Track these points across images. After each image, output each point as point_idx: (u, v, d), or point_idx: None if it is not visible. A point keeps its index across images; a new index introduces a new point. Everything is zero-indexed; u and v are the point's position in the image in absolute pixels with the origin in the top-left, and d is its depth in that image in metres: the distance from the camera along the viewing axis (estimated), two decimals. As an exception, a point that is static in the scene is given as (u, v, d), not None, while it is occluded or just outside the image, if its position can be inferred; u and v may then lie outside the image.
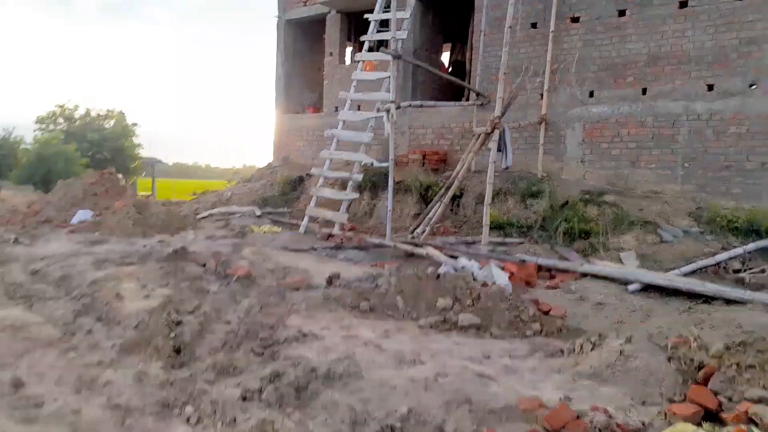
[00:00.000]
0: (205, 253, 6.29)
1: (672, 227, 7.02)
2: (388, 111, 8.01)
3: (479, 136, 7.82)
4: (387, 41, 10.12)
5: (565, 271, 6.26)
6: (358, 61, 10.50)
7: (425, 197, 9.52)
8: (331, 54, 12.74)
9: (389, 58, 9.81)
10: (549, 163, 9.35)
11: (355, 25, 13.09)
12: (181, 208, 11.93)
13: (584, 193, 8.29)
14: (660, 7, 8.39)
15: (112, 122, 31.62)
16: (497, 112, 7.52)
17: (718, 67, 7.94)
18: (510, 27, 8.33)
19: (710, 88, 8.01)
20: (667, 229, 6.96)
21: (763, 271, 5.62)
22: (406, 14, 10.41)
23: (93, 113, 31.31)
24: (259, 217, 10.33)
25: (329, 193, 9.42)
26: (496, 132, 7.44)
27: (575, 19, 9.22)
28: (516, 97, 8.13)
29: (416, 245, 7.18)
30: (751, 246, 6.17)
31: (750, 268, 5.82)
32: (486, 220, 7.14)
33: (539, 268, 6.39)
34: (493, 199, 8.87)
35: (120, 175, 18.47)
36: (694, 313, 4.46)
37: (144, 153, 32.64)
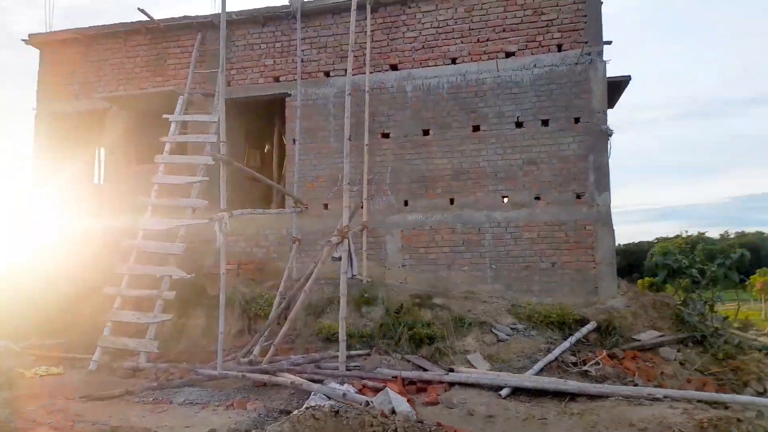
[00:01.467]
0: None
1: (503, 326, 7.56)
2: (220, 220, 7.13)
3: (332, 246, 7.43)
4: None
5: (429, 381, 6.08)
6: (160, 164, 9.37)
7: (248, 312, 8.57)
8: (113, 152, 11.17)
9: (204, 161, 9.03)
10: (372, 268, 9.43)
11: (137, 123, 11.88)
12: None
13: (415, 297, 8.47)
14: (458, 129, 9.58)
15: None
16: (345, 221, 7.34)
17: (509, 183, 9.26)
18: (350, 138, 8.45)
19: (505, 199, 9.25)
20: (500, 329, 7.46)
21: (597, 363, 6.33)
22: (214, 117, 9.85)
23: None
24: (18, 352, 7.88)
25: (130, 316, 7.76)
26: (346, 241, 7.20)
27: (386, 135, 9.89)
28: (360, 206, 8.10)
29: (267, 372, 6.21)
30: (574, 338, 6.97)
31: (583, 360, 6.51)
32: (342, 335, 6.63)
33: (403, 380, 6.10)
34: (324, 308, 8.50)
35: None
36: (585, 415, 4.65)
37: None
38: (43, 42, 11.69)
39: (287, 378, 5.87)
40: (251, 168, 14.21)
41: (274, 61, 10.62)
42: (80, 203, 12.23)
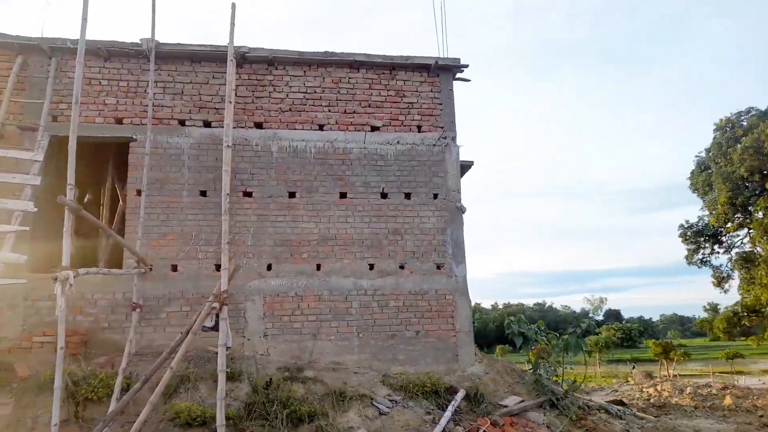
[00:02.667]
0: None
1: (382, 398, 7.35)
2: (64, 281, 5.74)
3: (206, 313, 6.42)
4: None
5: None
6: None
7: (76, 396, 6.89)
8: None
9: (23, 206, 7.37)
10: (231, 339, 8.47)
11: None
12: None
13: (283, 370, 7.83)
14: (325, 194, 9.50)
15: None
16: (224, 284, 6.49)
17: (375, 251, 9.39)
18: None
19: (371, 267, 9.31)
20: (379, 401, 7.24)
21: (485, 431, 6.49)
22: (37, 156, 8.23)
23: None
24: None
25: None
26: (225, 308, 6.33)
27: (248, 194, 9.32)
28: (239, 269, 7.25)
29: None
30: (452, 407, 7.10)
31: (469, 430, 6.63)
32: (221, 419, 5.67)
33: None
34: (176, 388, 7.34)
35: None
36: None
37: None
38: None
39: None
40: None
41: (117, 101, 9.39)
42: None
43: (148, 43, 9.42)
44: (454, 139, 10.19)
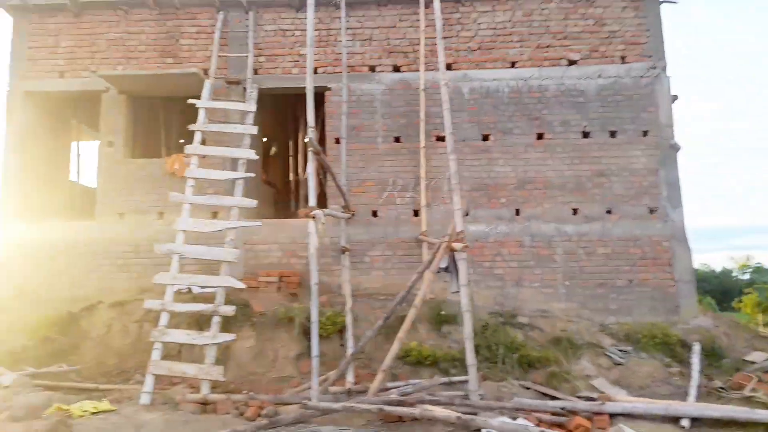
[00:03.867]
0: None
1: (612, 348, 6.91)
2: (314, 218, 5.95)
3: (435, 251, 6.40)
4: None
5: (574, 412, 5.24)
6: (189, 156, 7.91)
7: (308, 333, 7.27)
8: (110, 144, 9.40)
9: (246, 155, 7.74)
10: (431, 283, 8.47)
11: (138, 110, 10.25)
12: None
13: (496, 315, 7.65)
14: (520, 136, 8.98)
15: None
16: (458, 225, 6.36)
17: (579, 194, 8.76)
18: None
19: (575, 212, 8.72)
20: (612, 351, 6.81)
21: (754, 389, 5.82)
22: (251, 107, 8.59)
23: None
24: (21, 387, 6.08)
25: (183, 336, 6.25)
26: (462, 249, 6.21)
27: (441, 138, 9.06)
28: (466, 212, 7.05)
29: (405, 404, 5.08)
30: (696, 360, 6.46)
31: (730, 386, 5.99)
32: (471, 359, 5.63)
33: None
34: (398, 328, 7.43)
35: None
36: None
37: None
38: (19, 7, 9.74)
39: (443, 413, 4.76)
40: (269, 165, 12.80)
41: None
42: (60, 204, 10.31)
43: (338, -10, 9.37)
44: (664, 69, 9.07)
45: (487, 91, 9.16)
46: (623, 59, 9.18)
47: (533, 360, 6.55)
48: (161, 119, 11.65)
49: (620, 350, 6.92)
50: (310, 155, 6.26)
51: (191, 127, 8.17)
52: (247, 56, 9.34)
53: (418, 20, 9.40)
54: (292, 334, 7.22)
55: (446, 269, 6.32)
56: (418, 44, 9.35)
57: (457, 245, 6.03)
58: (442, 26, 9.41)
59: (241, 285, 6.70)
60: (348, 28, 9.48)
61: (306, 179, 11.20)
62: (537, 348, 6.88)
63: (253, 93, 8.80)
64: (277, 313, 7.32)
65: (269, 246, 8.88)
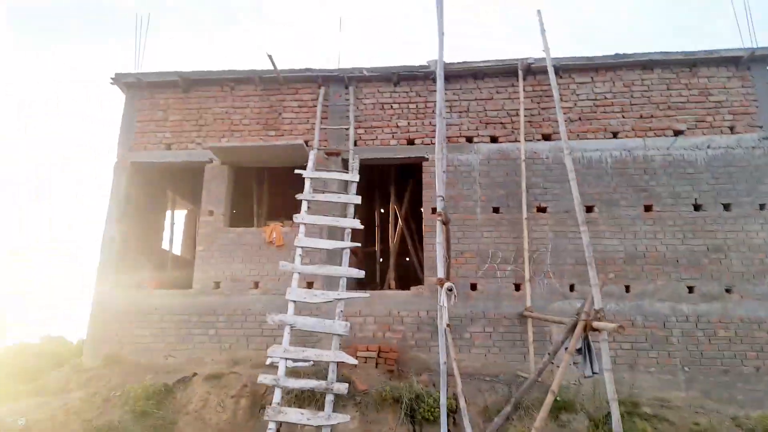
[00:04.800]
0: None
1: (755, 447, 6.26)
2: (450, 290, 5.82)
3: (570, 330, 6.08)
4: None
5: None
6: (298, 224, 8.01)
7: (414, 415, 6.97)
8: (211, 213, 9.68)
9: (351, 224, 7.76)
10: (537, 363, 8.06)
11: (237, 180, 10.59)
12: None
13: (619, 404, 7.08)
14: (627, 208, 8.67)
15: None
16: (597, 303, 6.03)
17: (694, 271, 8.27)
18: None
19: (690, 290, 8.21)
20: (756, 451, 6.16)
21: None
22: (354, 176, 8.71)
23: None
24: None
25: (297, 415, 6.09)
26: (603, 329, 5.87)
27: (542, 209, 8.88)
28: (606, 284, 6.81)
29: None
30: None
31: None
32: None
33: None
34: (509, 417, 7.02)
35: None
36: None
37: None
38: (133, 83, 10.43)
39: None
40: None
41: (408, 123, 9.67)
42: (153, 272, 10.61)
43: (434, 65, 9.58)
44: (778, 139, 8.67)
45: (589, 161, 8.97)
46: (732, 129, 8.86)
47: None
48: (254, 189, 12.01)
49: (765, 450, 6.25)
50: (438, 225, 6.19)
51: (299, 196, 8.30)
52: (346, 128, 9.60)
53: (515, 92, 9.47)
54: (398, 416, 6.92)
55: (579, 350, 5.96)
56: (515, 115, 9.37)
57: (600, 324, 5.66)
58: (540, 97, 9.51)
59: (354, 361, 6.56)
60: (445, 101, 9.61)
61: (395, 249, 11.22)
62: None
63: (355, 163, 8.95)
64: (382, 392, 7.06)
65: (365, 318, 8.74)
